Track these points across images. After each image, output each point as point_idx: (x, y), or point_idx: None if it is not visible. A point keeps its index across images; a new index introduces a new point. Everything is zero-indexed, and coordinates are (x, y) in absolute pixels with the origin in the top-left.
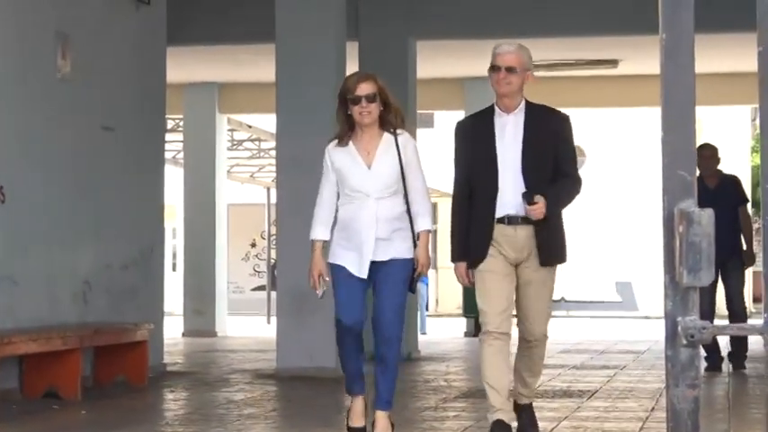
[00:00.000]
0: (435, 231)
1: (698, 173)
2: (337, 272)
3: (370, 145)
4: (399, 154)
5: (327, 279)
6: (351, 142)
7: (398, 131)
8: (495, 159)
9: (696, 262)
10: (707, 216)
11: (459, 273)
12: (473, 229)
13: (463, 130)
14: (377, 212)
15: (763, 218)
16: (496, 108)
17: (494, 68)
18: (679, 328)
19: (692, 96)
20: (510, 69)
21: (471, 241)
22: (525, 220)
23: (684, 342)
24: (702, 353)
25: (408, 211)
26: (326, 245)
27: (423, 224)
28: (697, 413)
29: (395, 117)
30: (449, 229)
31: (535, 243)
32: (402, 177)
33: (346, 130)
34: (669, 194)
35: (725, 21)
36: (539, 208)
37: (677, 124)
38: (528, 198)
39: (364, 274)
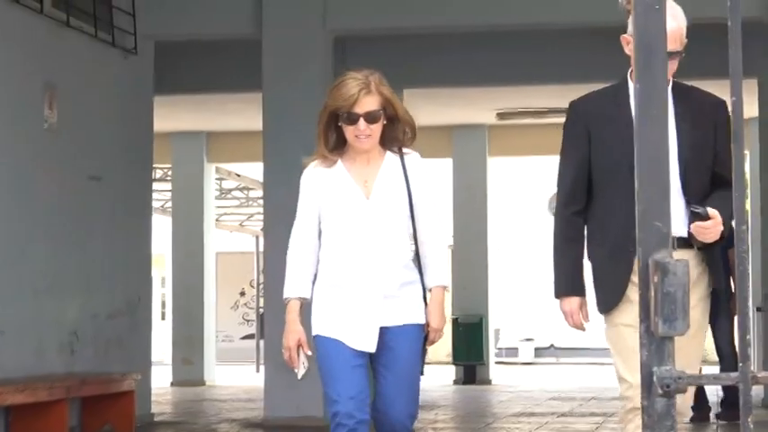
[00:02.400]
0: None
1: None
2: (327, 345)
3: (367, 168)
4: (408, 180)
5: (309, 353)
6: (340, 161)
7: (405, 151)
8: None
9: (671, 312)
10: (682, 267)
11: (569, 311)
12: (598, 259)
13: (584, 114)
14: (380, 259)
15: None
16: (632, 84)
17: None
18: (654, 378)
19: (665, 148)
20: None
21: (599, 277)
22: (684, 241)
23: (660, 392)
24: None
25: (417, 256)
26: (307, 305)
27: (436, 277)
28: None
29: (403, 133)
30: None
31: (701, 275)
32: (411, 211)
33: (334, 147)
34: (644, 245)
35: (712, 68)
36: (714, 226)
37: (652, 176)
38: (698, 212)
39: (372, 347)
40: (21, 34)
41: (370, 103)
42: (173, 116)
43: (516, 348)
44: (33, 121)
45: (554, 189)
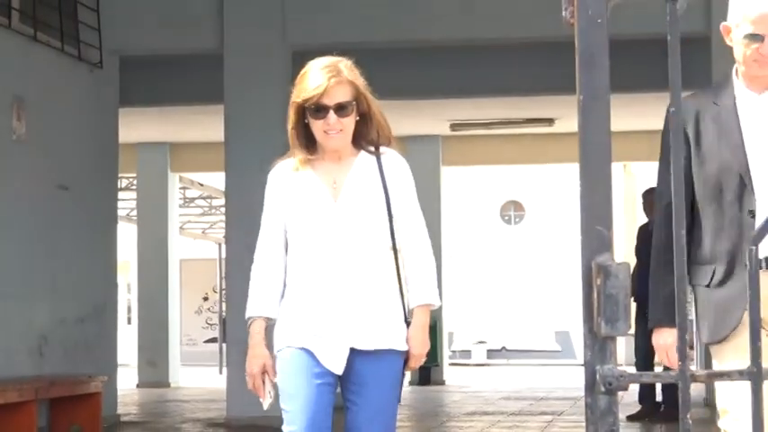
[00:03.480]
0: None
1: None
2: (290, 361)
3: (337, 167)
4: (384, 181)
5: (275, 380)
6: (309, 165)
7: (382, 149)
8: (746, 165)
9: (613, 313)
10: (624, 270)
11: (663, 345)
12: (704, 286)
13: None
14: (350, 271)
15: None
16: (738, 83)
17: (753, 37)
18: (597, 377)
19: (607, 155)
20: None
21: (705, 305)
22: None
23: (603, 389)
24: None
25: (398, 271)
26: (272, 326)
27: (420, 294)
28: None
29: (377, 132)
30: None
31: None
32: (389, 218)
33: (304, 148)
34: (587, 249)
35: (657, 81)
36: None
37: (594, 181)
38: None
39: (339, 369)
40: None
41: (340, 94)
42: (137, 127)
43: (469, 351)
44: (1, 133)
45: (505, 197)
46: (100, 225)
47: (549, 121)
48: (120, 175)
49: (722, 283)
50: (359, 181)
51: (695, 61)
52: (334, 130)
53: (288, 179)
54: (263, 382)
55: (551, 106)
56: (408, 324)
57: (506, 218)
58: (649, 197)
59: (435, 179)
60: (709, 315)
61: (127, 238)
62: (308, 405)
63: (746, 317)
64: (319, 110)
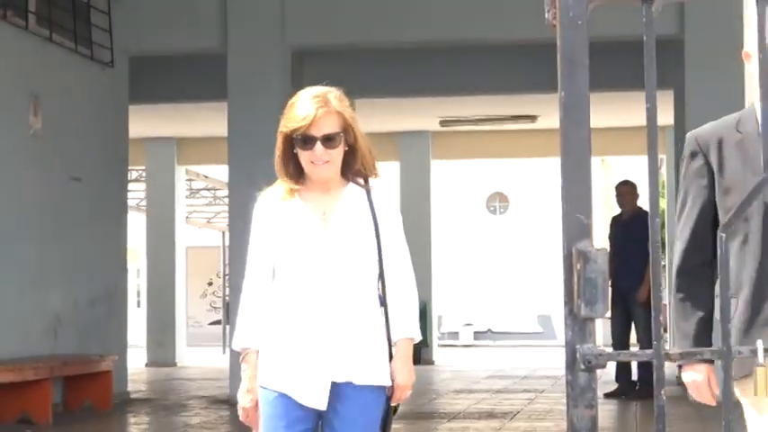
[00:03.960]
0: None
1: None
2: (270, 406)
3: (326, 198)
4: (374, 213)
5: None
6: (297, 195)
7: (371, 182)
8: None
9: (593, 296)
10: (602, 255)
11: (692, 383)
12: (741, 310)
13: (704, 146)
14: (336, 303)
15: (651, 237)
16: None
17: None
18: (578, 355)
19: (587, 148)
20: None
21: (736, 334)
22: None
23: (582, 367)
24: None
25: (385, 303)
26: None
27: (404, 327)
28: (595, 430)
29: (363, 164)
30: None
31: None
32: (378, 251)
33: (292, 177)
34: (568, 235)
35: (634, 81)
36: None
37: (574, 173)
38: None
39: (321, 404)
40: (7, 49)
41: (328, 125)
42: (146, 123)
43: (457, 332)
44: (19, 128)
45: (491, 189)
46: (111, 214)
47: (533, 118)
48: (129, 167)
49: (743, 321)
50: (348, 212)
51: (669, 62)
52: (321, 161)
53: (276, 208)
54: (257, 414)
55: (534, 104)
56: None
57: (492, 209)
58: (622, 189)
59: (425, 172)
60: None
61: (136, 226)
62: None
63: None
64: (306, 141)
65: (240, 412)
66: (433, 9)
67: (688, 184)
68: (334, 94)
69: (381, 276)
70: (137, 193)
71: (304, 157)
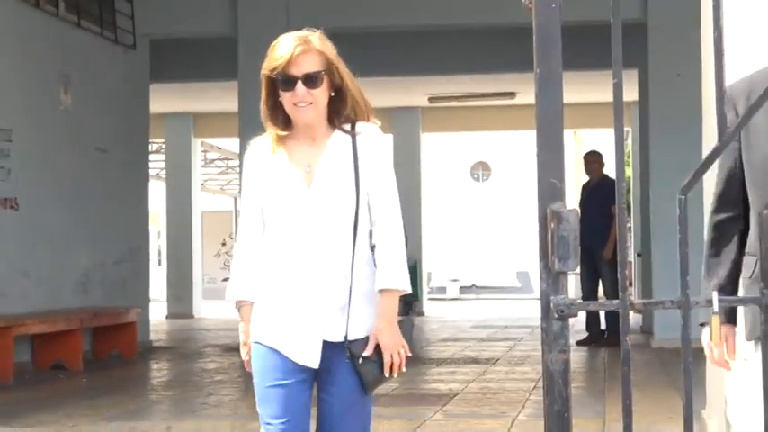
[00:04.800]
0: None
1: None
2: (263, 357)
3: (312, 150)
4: (357, 163)
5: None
6: (283, 149)
7: (358, 127)
8: None
9: (565, 252)
10: (573, 215)
11: (707, 343)
12: (745, 280)
13: (736, 98)
14: (323, 260)
15: (617, 203)
16: None
17: None
18: (552, 305)
19: (560, 119)
20: None
21: (749, 292)
22: None
23: (556, 316)
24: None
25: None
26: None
27: (387, 276)
28: (567, 373)
29: (353, 108)
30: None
31: None
32: (356, 204)
33: (278, 124)
34: (543, 198)
35: (604, 60)
36: None
37: (549, 142)
38: None
39: (314, 362)
40: (40, 33)
41: (309, 63)
42: (165, 100)
43: (444, 287)
44: (51, 105)
45: (475, 158)
46: (134, 182)
47: (511, 95)
48: (150, 140)
49: (754, 282)
50: (332, 164)
51: (633, 45)
52: (304, 103)
53: (263, 162)
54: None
55: (513, 82)
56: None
57: (475, 176)
58: (588, 158)
59: (416, 144)
60: (747, 313)
61: (157, 193)
62: (282, 410)
63: None
64: (287, 81)
65: (245, 364)
66: None
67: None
68: (315, 34)
69: (356, 229)
70: (157, 163)
71: (286, 99)
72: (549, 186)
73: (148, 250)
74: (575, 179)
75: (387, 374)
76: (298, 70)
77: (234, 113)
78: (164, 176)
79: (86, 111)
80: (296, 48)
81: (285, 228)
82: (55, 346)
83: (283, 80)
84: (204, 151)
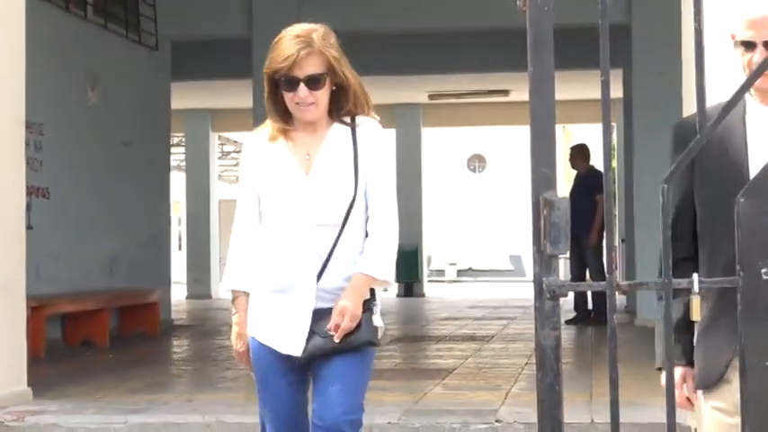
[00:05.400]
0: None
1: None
2: (258, 352)
3: (312, 139)
4: (356, 153)
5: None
6: (282, 138)
7: (358, 120)
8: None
9: (556, 237)
10: (564, 202)
11: (677, 387)
12: (702, 321)
13: (686, 137)
14: (320, 249)
15: (605, 192)
16: (749, 97)
17: (746, 45)
18: (544, 286)
19: (552, 115)
20: None
21: (698, 342)
22: None
23: (548, 296)
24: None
25: None
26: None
27: (369, 264)
28: (558, 349)
29: (354, 102)
30: None
31: None
32: (354, 189)
33: (280, 118)
34: (536, 186)
35: (592, 60)
36: None
37: (541, 136)
38: None
39: (297, 350)
40: (70, 35)
41: (312, 65)
42: (185, 97)
43: (443, 270)
44: (79, 101)
45: (471, 151)
46: (156, 173)
47: (506, 92)
48: (171, 134)
49: (711, 321)
50: (331, 153)
51: (618, 46)
52: (306, 103)
53: (262, 150)
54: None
55: (508, 80)
56: (371, 306)
57: (472, 167)
58: (572, 151)
59: (417, 138)
60: (698, 358)
61: (177, 183)
62: (280, 406)
63: (736, 361)
64: (290, 82)
65: (235, 355)
66: (424, 0)
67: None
68: (318, 32)
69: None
70: (178, 155)
71: (288, 98)
72: (542, 176)
73: (170, 236)
74: (564, 170)
75: (330, 330)
76: (300, 72)
77: (248, 109)
78: (184, 168)
79: (112, 107)
80: (299, 51)
81: (283, 214)
82: (83, 324)
83: (286, 81)
84: (221, 144)
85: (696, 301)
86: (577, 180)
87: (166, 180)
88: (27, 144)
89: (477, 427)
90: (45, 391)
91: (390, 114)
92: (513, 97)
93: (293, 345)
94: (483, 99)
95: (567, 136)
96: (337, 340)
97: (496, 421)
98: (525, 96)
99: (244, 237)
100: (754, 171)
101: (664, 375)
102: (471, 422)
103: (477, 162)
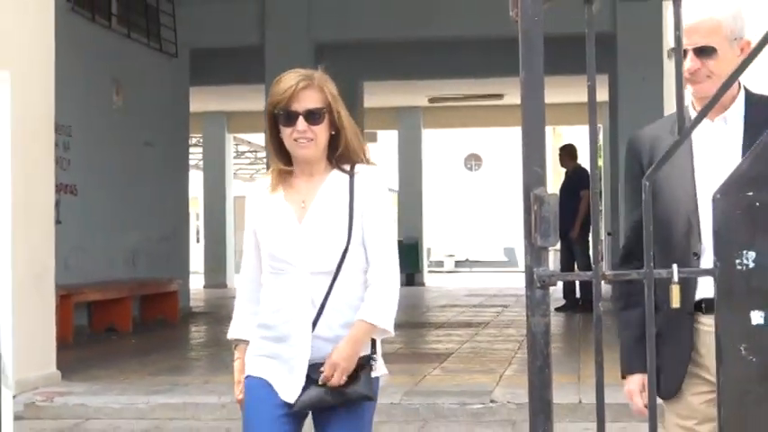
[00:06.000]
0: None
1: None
2: (252, 391)
3: (308, 186)
4: (352, 202)
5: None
6: (281, 186)
7: (357, 168)
8: (694, 204)
9: (546, 230)
10: (553, 198)
11: (627, 393)
12: (660, 329)
13: (638, 151)
14: (314, 297)
15: (591, 189)
16: (692, 110)
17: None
18: (535, 276)
19: (542, 117)
20: (703, 51)
21: (658, 350)
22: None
23: (539, 285)
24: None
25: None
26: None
27: (370, 312)
28: (548, 334)
29: (349, 149)
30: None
31: None
32: (348, 239)
33: (281, 160)
34: (527, 183)
35: (580, 66)
36: None
37: (532, 135)
38: None
39: (291, 397)
40: (95, 44)
41: (311, 99)
42: (202, 101)
43: (442, 261)
44: (105, 105)
45: (468, 151)
46: (176, 171)
47: (500, 96)
48: (190, 135)
49: (665, 331)
50: (326, 202)
51: (604, 53)
52: (304, 138)
53: (262, 199)
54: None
55: (501, 85)
56: (370, 360)
57: (469, 166)
58: (560, 151)
59: (418, 139)
60: (661, 369)
61: (195, 181)
62: None
63: (691, 369)
64: (289, 116)
65: (237, 403)
66: (424, 11)
67: (628, 189)
68: (319, 73)
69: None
70: (196, 155)
71: (287, 134)
72: (533, 174)
73: (188, 229)
74: (554, 168)
75: (319, 381)
76: (299, 105)
77: (261, 112)
78: (201, 166)
79: (135, 110)
80: (299, 83)
81: (277, 262)
82: (108, 311)
83: (286, 115)
84: (236, 144)
85: (676, 290)
86: (566, 178)
87: (185, 178)
88: (56, 145)
89: (472, 406)
90: (72, 373)
91: (393, 116)
92: (506, 101)
93: (291, 392)
94: (479, 102)
95: (556, 137)
96: (325, 386)
97: (491, 401)
98: (518, 100)
99: (246, 286)
100: (700, 187)
101: (626, 383)
102: (468, 402)
103: (473, 161)
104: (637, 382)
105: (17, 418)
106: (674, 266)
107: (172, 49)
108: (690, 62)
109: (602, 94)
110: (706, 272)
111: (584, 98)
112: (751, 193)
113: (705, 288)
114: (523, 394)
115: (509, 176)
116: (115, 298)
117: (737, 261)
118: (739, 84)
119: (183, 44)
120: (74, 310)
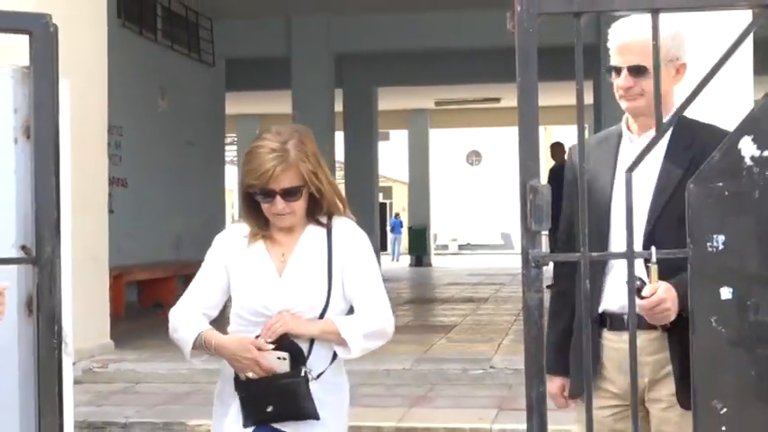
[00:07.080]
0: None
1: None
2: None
3: (287, 242)
4: (330, 255)
5: (270, 347)
6: (260, 237)
7: (334, 220)
8: (607, 217)
9: (540, 216)
10: (546, 189)
11: (549, 393)
12: (576, 336)
13: (572, 161)
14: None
15: (579, 180)
16: (623, 124)
17: (616, 70)
18: (530, 257)
19: (536, 118)
20: (637, 70)
21: (573, 355)
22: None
23: (533, 265)
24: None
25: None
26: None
27: (341, 319)
28: (541, 308)
29: (329, 206)
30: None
31: (668, 365)
32: (328, 292)
33: (256, 225)
34: (523, 175)
35: (569, 73)
36: (653, 304)
37: (528, 134)
38: (641, 285)
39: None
40: (143, 55)
41: (288, 179)
42: (237, 105)
43: (447, 245)
44: (152, 108)
45: (470, 148)
46: (214, 166)
47: (497, 100)
48: (226, 134)
49: (574, 342)
50: (305, 256)
51: (590, 61)
52: (283, 215)
53: (239, 246)
54: (264, 354)
55: (499, 90)
56: (303, 368)
57: (470, 161)
58: (552, 147)
59: (425, 138)
60: (572, 368)
61: (231, 175)
62: None
63: (596, 381)
64: (266, 194)
65: (252, 370)
66: (430, 25)
67: (564, 199)
68: (293, 141)
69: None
70: (231, 152)
71: (265, 208)
72: (528, 167)
73: (224, 217)
74: (545, 162)
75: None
76: (276, 185)
77: (289, 114)
78: (236, 162)
79: (178, 113)
80: (275, 168)
81: (256, 314)
82: (155, 289)
83: (263, 193)
84: None
85: (654, 270)
86: (554, 171)
87: (222, 172)
88: (109, 143)
89: (474, 372)
90: (124, 343)
91: (404, 118)
92: (503, 104)
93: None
94: (479, 105)
95: (548, 135)
96: (268, 338)
97: (491, 367)
98: (514, 103)
99: (187, 308)
100: (616, 189)
101: (548, 383)
102: (470, 368)
103: (474, 157)
104: (555, 384)
105: (76, 382)
106: (653, 248)
107: (210, 60)
108: (623, 80)
109: (589, 98)
110: (683, 253)
111: (572, 101)
112: (721, 184)
113: (610, 301)
114: (520, 361)
115: (505, 171)
116: (161, 277)
117: (708, 244)
118: (669, 101)
119: (220, 55)
120: (125, 288)
